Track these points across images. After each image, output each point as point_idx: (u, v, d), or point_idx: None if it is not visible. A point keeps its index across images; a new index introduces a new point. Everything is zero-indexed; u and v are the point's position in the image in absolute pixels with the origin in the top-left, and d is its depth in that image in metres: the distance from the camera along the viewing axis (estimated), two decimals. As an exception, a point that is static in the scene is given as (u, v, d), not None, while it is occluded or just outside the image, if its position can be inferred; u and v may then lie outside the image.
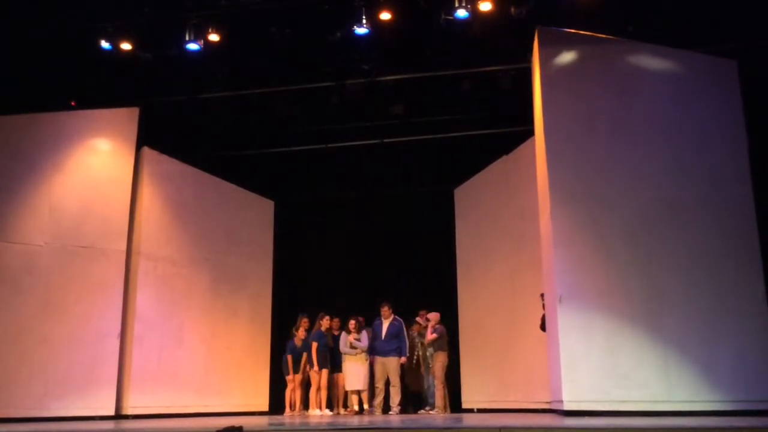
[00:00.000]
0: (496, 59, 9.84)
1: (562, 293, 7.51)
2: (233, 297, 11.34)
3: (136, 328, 10.11)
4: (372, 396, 10.23)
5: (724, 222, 7.63)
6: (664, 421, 6.13)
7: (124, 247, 10.11)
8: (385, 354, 10.16)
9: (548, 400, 8.51)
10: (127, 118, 10.35)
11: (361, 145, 11.54)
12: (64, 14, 9.01)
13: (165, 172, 10.82)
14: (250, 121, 11.23)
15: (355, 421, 7.90)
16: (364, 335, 10.26)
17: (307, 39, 9.31)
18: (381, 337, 10.22)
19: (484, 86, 10.19)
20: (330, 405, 10.47)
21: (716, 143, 7.85)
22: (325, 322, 10.43)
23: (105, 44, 9.34)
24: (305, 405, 10.41)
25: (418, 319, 10.59)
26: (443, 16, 8.70)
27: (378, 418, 8.74)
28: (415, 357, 10.51)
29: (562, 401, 7.32)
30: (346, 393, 10.41)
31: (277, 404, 11.07)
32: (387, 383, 10.20)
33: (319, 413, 10.06)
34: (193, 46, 9.20)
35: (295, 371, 10.35)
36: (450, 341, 10.47)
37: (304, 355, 10.34)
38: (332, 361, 10.36)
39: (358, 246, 12.16)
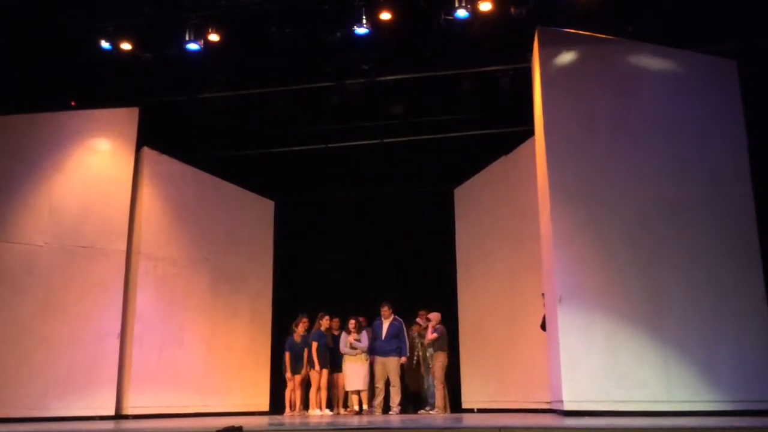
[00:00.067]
0: (496, 59, 9.84)
1: (562, 293, 7.51)
2: (233, 297, 11.34)
3: (136, 328, 10.10)
4: (372, 396, 10.23)
5: (724, 222, 7.63)
6: (664, 421, 6.13)
7: (124, 247, 10.11)
8: (385, 354, 10.16)
9: (548, 400, 8.51)
10: (127, 118, 10.35)
11: (361, 145, 11.54)
12: (64, 14, 9.01)
13: (165, 172, 10.82)
14: (250, 121, 11.23)
15: (355, 421, 7.90)
16: (364, 335, 10.26)
17: (307, 39, 9.30)
18: (381, 337, 10.22)
19: (484, 86, 10.18)
20: (330, 405, 10.47)
21: (716, 143, 7.85)
22: (325, 322, 10.43)
23: (105, 44, 9.34)
24: (305, 405, 10.41)
25: (418, 319, 10.59)
26: (443, 16, 8.70)
27: (378, 418, 8.74)
28: (415, 357, 10.51)
29: (562, 401, 7.32)
30: (346, 393, 10.42)
31: (277, 404, 11.06)
32: (387, 383, 10.20)
33: (319, 413, 10.06)
34: (193, 46, 9.20)
35: (296, 371, 10.34)
36: (450, 341, 10.47)
37: (305, 352, 10.34)
38: (332, 361, 10.36)
39: (358, 246, 12.15)
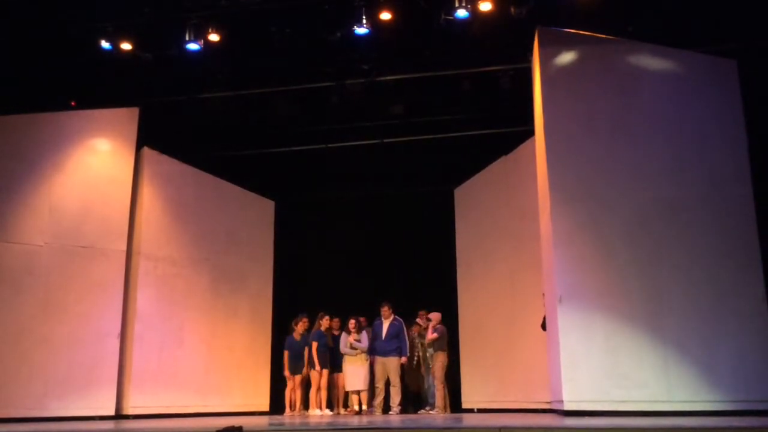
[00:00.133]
0: (496, 59, 9.84)
1: (562, 293, 7.51)
2: (233, 297, 11.34)
3: (136, 328, 10.11)
4: (372, 396, 10.23)
5: (724, 222, 7.63)
6: (664, 421, 6.13)
7: (124, 247, 10.11)
8: (385, 354, 10.16)
9: (548, 400, 8.51)
10: (127, 118, 10.35)
11: (361, 145, 11.54)
12: (64, 14, 9.01)
13: (165, 172, 10.82)
14: (250, 121, 11.23)
15: (355, 421, 7.90)
16: (364, 336, 10.26)
17: (307, 39, 9.30)
18: (381, 337, 10.23)
19: (484, 86, 10.18)
20: (330, 405, 10.48)
21: (716, 143, 7.85)
22: (324, 322, 10.44)
23: (105, 44, 9.34)
24: (305, 405, 10.41)
25: (418, 319, 10.58)
26: (443, 16, 8.70)
27: (378, 418, 8.74)
28: (415, 357, 10.51)
29: (562, 401, 7.32)
30: (346, 393, 10.42)
31: (277, 404, 11.07)
32: (387, 383, 10.20)
33: (319, 413, 10.06)
34: (193, 46, 9.20)
35: (295, 371, 10.34)
36: (450, 341, 10.47)
37: (305, 351, 10.34)
38: (332, 361, 10.36)
39: (358, 246, 12.15)
